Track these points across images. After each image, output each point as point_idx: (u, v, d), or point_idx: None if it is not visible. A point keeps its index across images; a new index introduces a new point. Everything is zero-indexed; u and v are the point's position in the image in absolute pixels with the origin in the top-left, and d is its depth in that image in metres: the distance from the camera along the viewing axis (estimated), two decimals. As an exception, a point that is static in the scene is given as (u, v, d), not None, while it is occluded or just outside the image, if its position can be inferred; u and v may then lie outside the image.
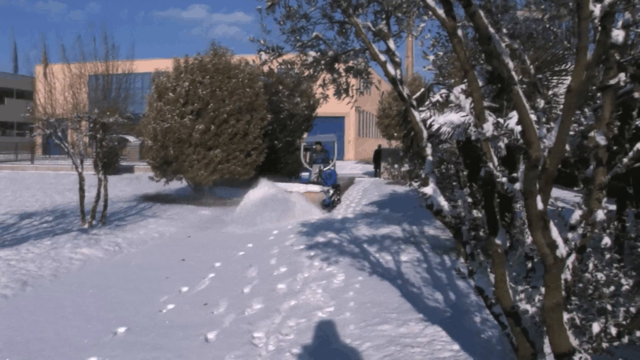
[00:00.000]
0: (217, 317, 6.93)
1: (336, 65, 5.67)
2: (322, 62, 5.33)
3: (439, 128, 8.39)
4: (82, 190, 13.50)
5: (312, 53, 5.15)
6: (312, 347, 5.85)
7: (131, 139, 36.66)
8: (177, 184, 21.16)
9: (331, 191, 17.92)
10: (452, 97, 3.61)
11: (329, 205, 17.43)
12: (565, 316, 3.58)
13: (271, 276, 8.89)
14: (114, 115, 14.30)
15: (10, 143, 49.01)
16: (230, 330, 6.45)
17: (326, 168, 19.15)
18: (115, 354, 5.82)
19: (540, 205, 3.17)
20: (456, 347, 5.65)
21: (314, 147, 20.82)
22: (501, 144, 3.43)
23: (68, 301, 7.72)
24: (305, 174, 19.17)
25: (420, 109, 8.51)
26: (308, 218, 15.16)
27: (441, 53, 5.45)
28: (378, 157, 32.00)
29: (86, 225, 13.26)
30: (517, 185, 3.20)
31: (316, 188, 17.08)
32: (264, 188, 15.85)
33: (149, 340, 6.20)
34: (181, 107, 18.41)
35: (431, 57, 4.51)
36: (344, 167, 39.85)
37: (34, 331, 6.49)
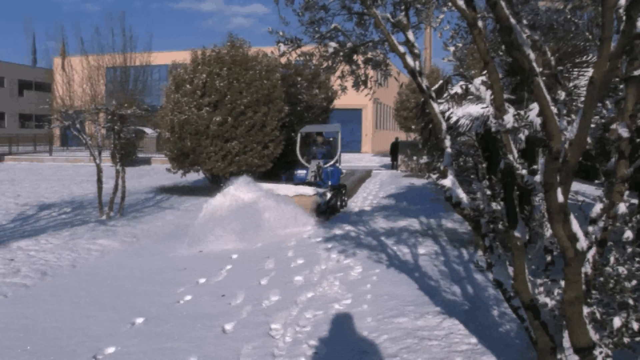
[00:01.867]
0: (234, 309, 6.95)
1: (355, 57, 5.64)
2: (341, 53, 5.31)
3: (457, 120, 8.35)
4: (100, 181, 13.60)
5: (333, 44, 5.13)
6: (329, 339, 5.85)
7: (148, 130, 36.86)
8: (194, 176, 21.25)
9: (329, 194, 14.28)
10: (472, 89, 3.58)
11: (325, 212, 13.95)
12: (585, 310, 3.54)
13: (288, 268, 8.91)
14: (131, 107, 14.38)
15: (29, 135, 49.48)
16: (247, 321, 6.47)
17: (327, 165, 15.66)
18: (133, 344, 5.86)
19: (560, 198, 3.13)
20: (474, 340, 5.63)
21: (314, 138, 17.37)
22: (521, 136, 3.40)
23: (85, 291, 7.78)
24: (301, 172, 15.62)
25: (439, 101, 8.45)
26: (293, 232, 11.83)
27: (460, 45, 5.40)
28: (395, 149, 31.89)
29: (104, 217, 13.36)
30: (538, 178, 3.16)
31: (309, 191, 13.44)
32: (234, 192, 12.08)
33: (166, 330, 6.24)
34: (198, 98, 18.44)
35: (452, 49, 4.47)
36: (361, 160, 39.83)
37: (52, 320, 6.55)
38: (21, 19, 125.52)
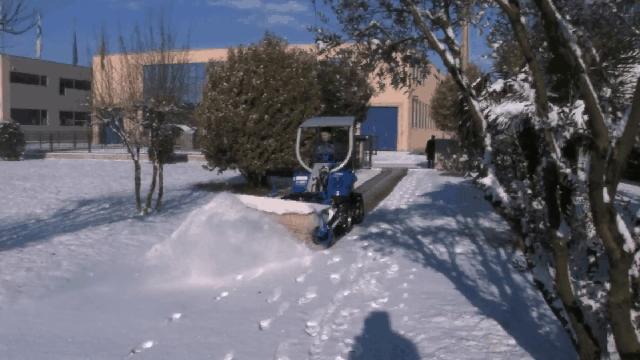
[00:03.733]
0: (271, 305, 6.95)
1: (393, 54, 5.60)
2: (380, 51, 5.27)
3: (496, 118, 8.24)
4: (138, 178, 13.75)
5: (376, 40, 5.09)
6: (365, 338, 5.82)
7: (185, 128, 37.21)
8: (230, 173, 21.36)
9: (331, 212, 10.64)
10: (516, 86, 3.51)
11: (325, 238, 10.09)
12: (633, 314, 3.45)
13: (325, 266, 8.89)
14: (169, 104, 14.50)
15: (69, 132, 50.44)
16: (284, 318, 6.47)
17: (335, 169, 12.08)
18: (171, 338, 5.90)
19: (607, 198, 3.06)
20: (512, 341, 5.56)
21: (319, 135, 13.87)
22: (566, 134, 3.33)
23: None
24: (301, 179, 12.22)
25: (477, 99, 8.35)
26: (274, 269, 8.71)
27: (500, 41, 5.32)
28: (432, 147, 31.66)
29: (142, 213, 13.50)
30: (583, 177, 3.09)
31: (303, 208, 9.75)
32: (213, 210, 9.54)
33: (204, 325, 6.26)
34: (235, 96, 18.53)
35: (496, 45, 4.40)
36: (397, 158, 39.68)
37: (94, 313, 6.63)
38: (63, 19, 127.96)
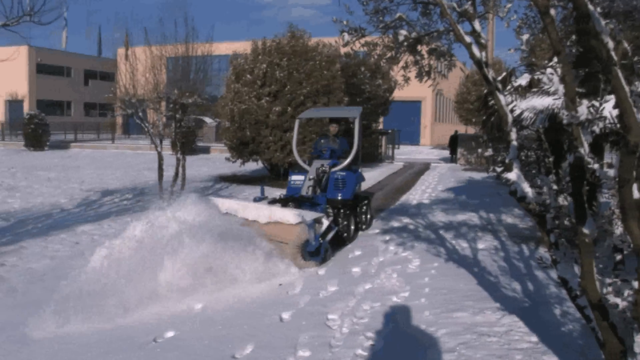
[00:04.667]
0: (292, 298, 6.96)
1: (419, 47, 5.55)
2: (405, 43, 5.23)
3: (521, 113, 8.14)
4: (160, 169, 13.84)
5: (403, 32, 5.04)
6: (386, 332, 5.81)
7: (208, 120, 37.37)
8: (252, 165, 21.41)
9: (325, 221, 8.97)
10: (544, 79, 3.47)
11: (317, 253, 8.60)
12: (660, 313, 3.39)
13: (346, 259, 8.88)
14: (192, 96, 14.55)
15: (93, 123, 51.01)
16: (304, 311, 6.48)
17: (337, 168, 10.53)
18: (193, 330, 5.94)
19: (636, 194, 3.00)
20: (534, 338, 5.50)
21: (325, 128, 13.16)
22: (595, 129, 3.27)
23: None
24: (297, 179, 10.66)
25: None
26: (250, 294, 7.13)
27: (528, 35, 5.24)
28: (454, 142, 31.47)
29: (164, 204, 13.56)
30: (611, 173, 3.04)
31: (289, 216, 8.15)
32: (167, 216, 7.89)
33: (225, 317, 6.29)
34: (258, 88, 18.55)
35: (524, 37, 4.34)
36: (420, 152, 39.51)
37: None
38: (88, 11, 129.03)
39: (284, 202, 9.73)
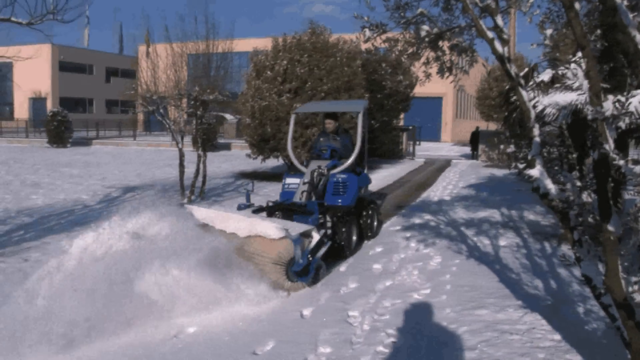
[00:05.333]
0: (313, 294, 6.96)
1: (440, 43, 5.51)
2: (427, 39, 5.19)
3: (543, 109, 8.05)
4: (182, 165, 13.90)
5: (425, 27, 5.01)
6: (407, 329, 5.79)
7: (228, 116, 37.53)
8: (273, 162, 21.44)
9: (316, 235, 7.46)
10: (569, 74, 3.42)
11: (304, 273, 7.14)
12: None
13: (367, 255, 8.87)
14: (213, 93, 14.61)
15: (115, 120, 51.56)
16: (325, 307, 6.47)
17: (337, 169, 9.30)
18: (213, 324, 5.95)
19: (662, 191, 2.96)
20: (557, 337, 5.45)
21: (323, 124, 11.21)
22: (621, 124, 3.23)
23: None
24: (292, 182, 9.43)
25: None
26: (214, 324, 6.02)
27: (551, 30, 5.19)
28: (475, 139, 31.29)
29: (185, 200, 13.64)
30: (638, 169, 3.00)
31: (271, 230, 6.79)
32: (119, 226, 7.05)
33: (243, 312, 6.30)
34: (279, 85, 18.55)
35: (548, 32, 4.29)
36: (441, 149, 39.35)
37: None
38: (110, 9, 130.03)
39: (271, 210, 8.42)
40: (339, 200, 8.94)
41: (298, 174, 9.48)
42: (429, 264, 8.24)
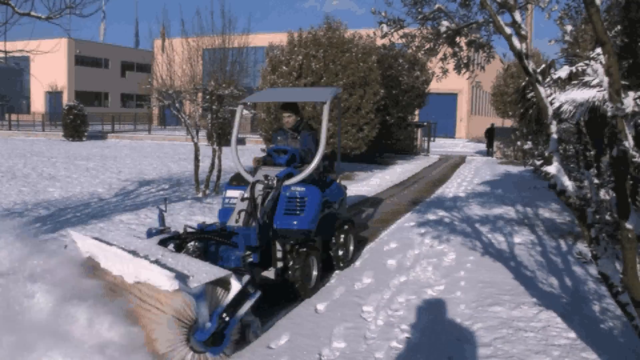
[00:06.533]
0: (327, 289, 6.96)
1: (457, 39, 5.50)
2: (444, 35, 5.18)
3: (560, 106, 8.02)
4: (197, 160, 13.94)
5: (446, 22, 5.00)
6: (421, 325, 5.78)
7: (244, 111, 37.57)
8: (288, 157, 21.41)
9: (236, 284, 4.86)
10: (588, 70, 3.40)
11: (213, 342, 4.64)
12: None
13: (381, 251, 8.86)
14: (229, 87, 14.62)
15: (130, 114, 51.85)
16: (340, 302, 6.47)
17: (292, 180, 6.89)
18: (229, 319, 5.97)
19: (682, 189, 2.94)
20: (572, 335, 5.42)
21: (280, 120, 9.95)
22: (640, 122, 3.20)
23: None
24: (232, 195, 7.14)
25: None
26: None
27: (571, 26, 5.15)
28: (491, 135, 31.17)
29: (200, 194, 13.69)
30: (657, 167, 2.98)
31: (161, 278, 4.30)
32: None
33: (261, 306, 6.32)
34: (294, 80, 18.56)
35: (568, 27, 4.26)
36: (456, 145, 39.22)
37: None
38: (126, 3, 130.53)
39: (184, 241, 5.86)
40: (294, 222, 6.58)
41: (242, 185, 7.11)
42: (444, 260, 8.22)
